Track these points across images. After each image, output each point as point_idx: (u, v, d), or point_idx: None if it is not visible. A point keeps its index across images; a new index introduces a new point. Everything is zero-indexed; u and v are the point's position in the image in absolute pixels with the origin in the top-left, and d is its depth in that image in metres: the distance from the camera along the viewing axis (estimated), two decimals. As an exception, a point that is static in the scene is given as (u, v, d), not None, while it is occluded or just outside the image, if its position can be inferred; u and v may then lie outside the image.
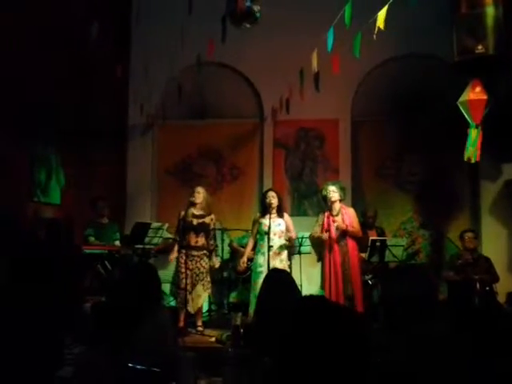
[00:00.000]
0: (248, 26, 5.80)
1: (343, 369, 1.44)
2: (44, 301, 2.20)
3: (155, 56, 7.58)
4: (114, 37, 7.09)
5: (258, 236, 6.24)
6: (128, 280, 3.26)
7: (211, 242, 6.41)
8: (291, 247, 6.53)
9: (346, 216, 6.17)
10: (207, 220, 6.34)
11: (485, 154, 6.12)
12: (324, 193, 6.23)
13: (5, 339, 1.76)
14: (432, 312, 2.40)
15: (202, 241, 6.28)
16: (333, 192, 6.16)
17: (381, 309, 6.44)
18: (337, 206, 6.19)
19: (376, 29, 3.95)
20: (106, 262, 6.27)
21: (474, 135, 5.55)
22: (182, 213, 6.31)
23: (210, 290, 6.45)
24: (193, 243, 6.22)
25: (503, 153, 7.10)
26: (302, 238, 6.80)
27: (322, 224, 6.19)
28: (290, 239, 6.26)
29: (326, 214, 6.17)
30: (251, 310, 5.87)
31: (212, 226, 6.41)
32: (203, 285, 6.23)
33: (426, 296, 2.39)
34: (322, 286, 6.41)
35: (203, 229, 6.30)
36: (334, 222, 6.04)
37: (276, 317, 2.41)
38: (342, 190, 6.26)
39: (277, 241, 6.11)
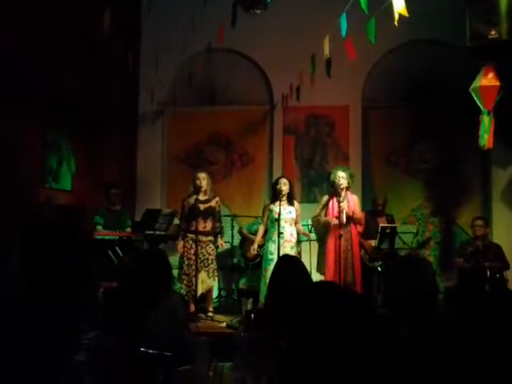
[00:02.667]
0: (258, 11, 5.78)
1: (357, 353, 1.46)
2: (59, 286, 2.23)
3: (166, 43, 7.58)
4: (125, 24, 7.08)
5: (268, 223, 6.25)
6: (140, 265, 3.28)
7: (217, 225, 6.50)
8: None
9: (350, 203, 6.15)
10: (213, 204, 6.43)
11: (497, 142, 6.08)
12: (332, 177, 6.20)
13: (23, 326, 1.79)
14: (431, 300, 2.42)
15: (209, 225, 6.37)
16: (342, 179, 6.13)
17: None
18: (343, 192, 6.16)
19: (397, 16, 3.89)
20: (117, 248, 6.31)
21: (487, 122, 5.51)
22: (189, 200, 6.34)
23: (216, 278, 6.51)
24: (201, 228, 6.29)
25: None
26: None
27: (327, 207, 6.19)
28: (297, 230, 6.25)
29: (334, 199, 6.16)
30: (262, 296, 5.90)
31: (218, 209, 6.50)
32: (207, 271, 6.27)
33: (422, 286, 2.41)
34: (321, 271, 6.36)
35: (210, 213, 6.38)
36: (339, 207, 6.03)
37: (288, 302, 2.43)
38: (351, 177, 6.22)
39: (287, 228, 6.10)
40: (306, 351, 1.49)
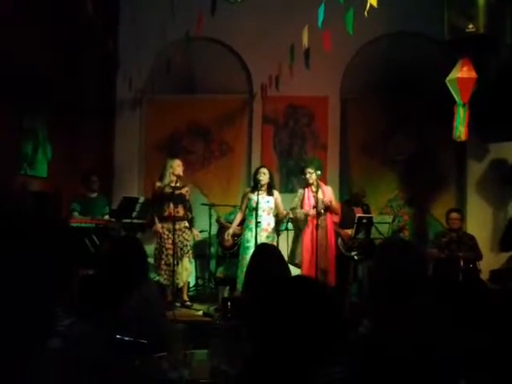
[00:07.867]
0: (238, 0, 5.76)
1: (317, 339, 1.53)
2: (33, 273, 2.22)
3: (144, 29, 7.49)
4: (103, 11, 6.98)
5: (246, 211, 6.26)
6: (114, 253, 3.28)
7: (189, 213, 6.55)
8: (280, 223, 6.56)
9: (326, 194, 6.27)
10: (183, 191, 6.47)
11: (472, 134, 6.15)
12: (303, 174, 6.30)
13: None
14: (420, 286, 2.44)
15: (181, 211, 6.37)
16: (309, 174, 6.21)
17: (366, 283, 6.57)
18: (317, 183, 6.23)
19: (368, 6, 3.94)
20: (94, 236, 6.26)
21: (462, 114, 5.57)
22: (165, 187, 6.32)
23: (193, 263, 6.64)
24: (174, 213, 6.27)
25: (490, 132, 7.14)
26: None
27: (303, 199, 6.27)
28: (279, 216, 6.29)
29: (309, 190, 6.25)
30: (239, 284, 5.93)
31: (188, 197, 6.56)
32: (188, 258, 6.33)
33: (415, 270, 2.42)
34: (293, 261, 6.41)
35: (181, 200, 6.39)
36: (314, 197, 6.13)
37: (264, 290, 2.45)
38: (317, 170, 6.29)
39: (265, 217, 6.14)
40: (275, 340, 1.55)
